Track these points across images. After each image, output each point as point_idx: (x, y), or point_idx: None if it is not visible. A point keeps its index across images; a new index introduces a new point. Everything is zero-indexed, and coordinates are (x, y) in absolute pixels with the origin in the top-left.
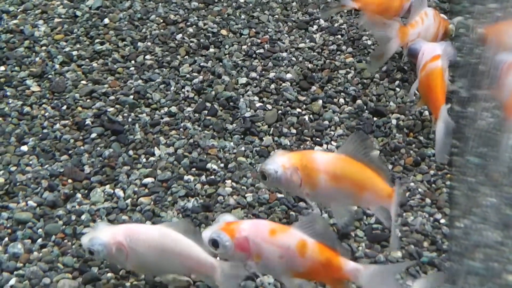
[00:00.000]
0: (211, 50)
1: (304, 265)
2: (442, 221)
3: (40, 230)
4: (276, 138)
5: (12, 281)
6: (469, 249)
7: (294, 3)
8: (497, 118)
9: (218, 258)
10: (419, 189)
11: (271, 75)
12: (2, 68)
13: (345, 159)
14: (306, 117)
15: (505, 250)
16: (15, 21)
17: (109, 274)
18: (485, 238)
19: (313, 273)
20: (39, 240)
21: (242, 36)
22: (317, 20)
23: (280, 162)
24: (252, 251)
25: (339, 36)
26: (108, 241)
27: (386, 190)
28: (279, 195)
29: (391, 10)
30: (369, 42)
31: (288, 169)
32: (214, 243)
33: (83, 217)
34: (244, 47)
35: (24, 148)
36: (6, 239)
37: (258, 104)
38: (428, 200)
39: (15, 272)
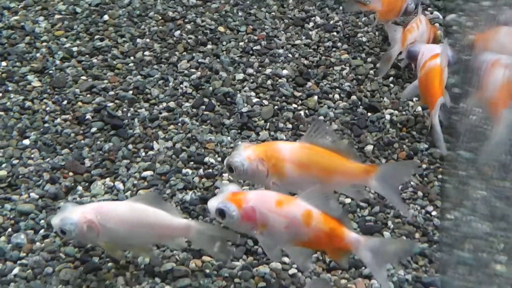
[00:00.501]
0: (209, 46)
1: (308, 234)
2: (434, 213)
3: (42, 221)
4: (272, 133)
5: (16, 270)
6: (459, 240)
7: (290, 1)
8: (486, 113)
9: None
10: (412, 183)
11: (268, 71)
12: (4, 63)
13: (308, 147)
14: (302, 113)
15: (494, 240)
16: (16, 17)
17: (110, 264)
18: (475, 230)
19: (316, 242)
20: (41, 231)
21: (240, 33)
22: (313, 17)
23: (245, 155)
24: (258, 221)
25: (335, 33)
26: (79, 220)
27: (361, 168)
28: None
29: (395, 11)
30: (364, 39)
31: (254, 160)
32: (221, 213)
33: None
34: (241, 43)
35: (26, 142)
36: (10, 229)
37: (254, 100)
38: (420, 193)
39: (18, 262)
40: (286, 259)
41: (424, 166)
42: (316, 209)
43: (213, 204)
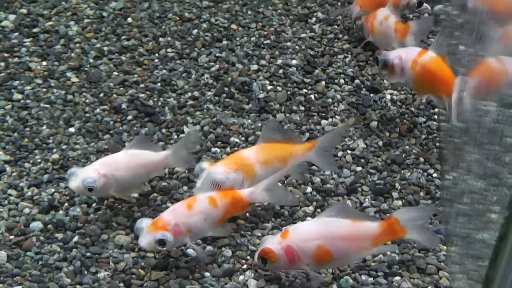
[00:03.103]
0: (224, 42)
1: (220, 213)
2: (434, 175)
3: (93, 196)
4: (287, 114)
5: (76, 238)
6: (458, 196)
7: None
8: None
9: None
10: (414, 150)
11: (279, 61)
12: (44, 63)
13: (265, 146)
14: (312, 96)
15: (487, 194)
16: (50, 23)
17: None
18: (471, 186)
19: (227, 215)
20: (94, 205)
21: (250, 29)
22: (315, 13)
23: (222, 170)
24: (184, 231)
25: (336, 26)
26: (96, 176)
27: (304, 146)
28: None
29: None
30: None
31: (231, 172)
32: (162, 242)
33: None
34: (253, 38)
35: (72, 129)
36: (66, 204)
37: (269, 87)
38: (421, 159)
39: (77, 231)
40: (310, 219)
41: (423, 136)
42: (212, 192)
43: (146, 241)
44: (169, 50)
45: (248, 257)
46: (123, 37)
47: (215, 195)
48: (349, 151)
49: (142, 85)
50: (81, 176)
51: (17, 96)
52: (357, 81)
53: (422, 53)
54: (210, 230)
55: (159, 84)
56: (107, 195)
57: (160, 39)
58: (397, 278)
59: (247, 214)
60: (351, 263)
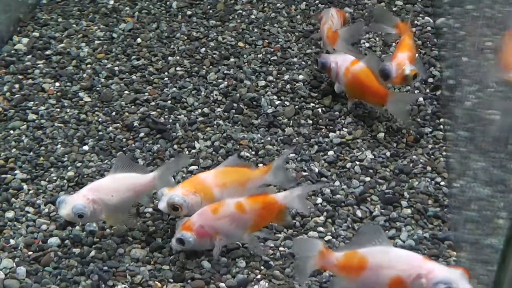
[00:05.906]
0: (232, 60)
1: (250, 218)
2: (442, 183)
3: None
4: (296, 128)
5: (93, 253)
6: (466, 203)
7: (298, 16)
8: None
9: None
10: (421, 160)
11: (286, 77)
12: (57, 84)
13: (223, 170)
14: (320, 110)
15: (494, 201)
16: (62, 45)
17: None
18: (478, 193)
19: (262, 220)
20: None
21: (257, 46)
22: (320, 30)
23: (180, 193)
24: (210, 232)
25: None
26: (85, 202)
27: (261, 170)
28: (304, 173)
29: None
30: (367, 45)
31: (189, 194)
32: (180, 241)
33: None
34: (260, 55)
35: (85, 147)
36: None
37: (277, 102)
38: (429, 168)
39: (93, 246)
40: (321, 229)
41: (430, 146)
42: (242, 198)
43: (173, 240)
44: (178, 68)
45: (262, 267)
46: (133, 57)
47: (243, 201)
48: (357, 162)
49: (153, 103)
50: (71, 204)
51: (32, 116)
52: None
53: (354, 63)
54: (244, 235)
55: (169, 101)
56: (98, 220)
57: (169, 58)
58: None
59: None
60: None
